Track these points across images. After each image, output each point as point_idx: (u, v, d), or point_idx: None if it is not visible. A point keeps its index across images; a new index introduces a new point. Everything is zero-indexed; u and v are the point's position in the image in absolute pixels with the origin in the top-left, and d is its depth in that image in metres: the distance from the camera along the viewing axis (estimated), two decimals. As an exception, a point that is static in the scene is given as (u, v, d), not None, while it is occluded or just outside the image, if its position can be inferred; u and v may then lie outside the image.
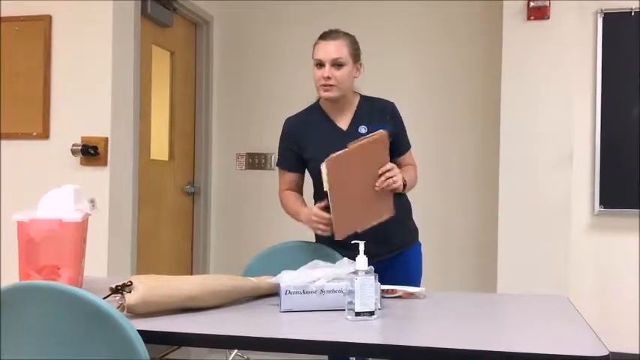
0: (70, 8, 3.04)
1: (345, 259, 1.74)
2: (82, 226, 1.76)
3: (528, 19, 3.49)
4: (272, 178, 4.24)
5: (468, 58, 3.90)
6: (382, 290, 1.70)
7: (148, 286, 1.48)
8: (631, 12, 3.57)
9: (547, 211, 3.46)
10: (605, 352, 1.22)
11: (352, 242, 1.62)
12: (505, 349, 1.26)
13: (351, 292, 1.49)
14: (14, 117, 3.07)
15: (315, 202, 2.20)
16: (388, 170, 1.97)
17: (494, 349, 1.26)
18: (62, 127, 3.04)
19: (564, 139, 3.47)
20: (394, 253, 2.20)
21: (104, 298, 1.30)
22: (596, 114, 3.64)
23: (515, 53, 3.52)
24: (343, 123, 2.20)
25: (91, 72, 3.03)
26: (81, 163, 3.02)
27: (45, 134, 3.05)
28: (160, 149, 3.73)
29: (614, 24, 3.61)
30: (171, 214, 3.84)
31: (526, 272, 3.49)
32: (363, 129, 2.15)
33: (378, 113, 2.20)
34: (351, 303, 1.49)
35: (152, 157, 3.60)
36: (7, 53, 3.09)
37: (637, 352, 3.53)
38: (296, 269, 1.67)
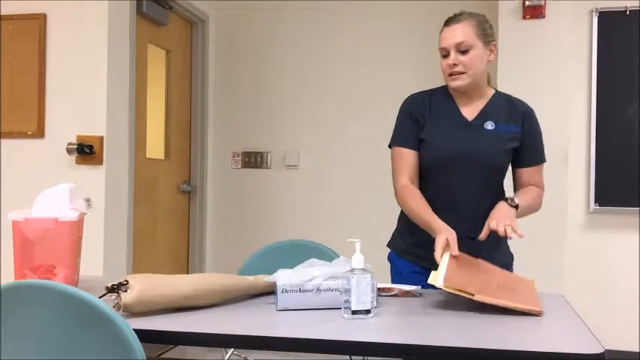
0: (65, 7, 3.03)
1: (342, 257, 1.73)
2: (77, 225, 1.75)
3: (524, 17, 3.49)
4: (268, 176, 4.26)
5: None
6: (378, 288, 1.70)
7: (143, 285, 1.48)
8: (626, 11, 3.58)
9: (543, 209, 3.45)
10: (600, 350, 1.23)
11: (348, 240, 1.62)
12: (501, 347, 1.26)
13: (348, 291, 1.49)
14: (9, 116, 3.06)
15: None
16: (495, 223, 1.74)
17: (490, 347, 1.26)
18: (57, 126, 3.04)
19: (560, 137, 3.48)
20: None
21: (100, 297, 1.30)
22: (591, 112, 3.65)
23: (511, 52, 3.53)
24: (470, 114, 1.95)
25: (87, 70, 3.02)
26: (76, 162, 3.01)
27: (40, 133, 3.04)
28: (155, 148, 3.72)
29: (609, 23, 3.62)
30: (167, 213, 3.83)
31: (521, 270, 3.49)
32: (490, 125, 1.93)
33: (510, 113, 1.96)
34: (347, 301, 1.49)
35: (148, 155, 3.59)
36: (2, 52, 3.08)
37: (632, 349, 3.55)
38: (292, 268, 1.67)
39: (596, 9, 3.63)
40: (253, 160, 4.23)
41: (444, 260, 1.66)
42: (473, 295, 1.50)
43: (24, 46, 3.05)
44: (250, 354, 2.68)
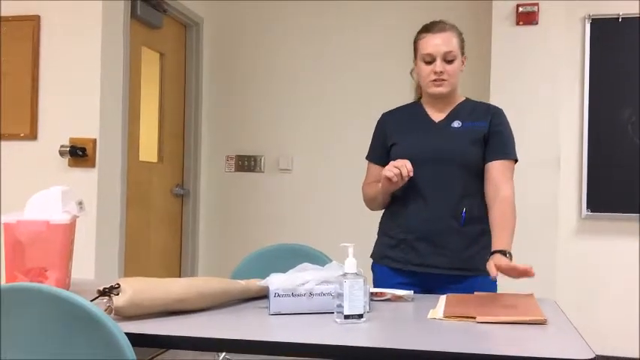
0: (59, 9, 3.03)
1: (334, 262, 1.73)
2: (69, 228, 1.75)
3: (517, 24, 3.52)
4: (262, 180, 4.26)
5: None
6: (371, 293, 1.70)
7: (135, 289, 1.48)
8: (618, 18, 3.61)
9: (535, 214, 3.49)
10: (591, 355, 1.23)
11: (341, 245, 1.62)
12: (492, 352, 1.26)
13: (340, 295, 1.49)
14: (2, 117, 3.05)
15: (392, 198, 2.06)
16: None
17: (482, 352, 1.26)
18: (50, 128, 3.03)
19: (552, 142, 3.50)
20: (455, 272, 1.96)
21: (92, 301, 1.30)
22: (583, 118, 3.67)
23: (504, 57, 3.55)
24: (438, 117, 2.04)
25: (80, 73, 3.01)
26: (69, 165, 3.00)
27: (33, 135, 3.03)
28: (149, 151, 3.71)
29: (602, 29, 3.65)
30: (160, 216, 3.82)
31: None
32: (456, 124, 2.00)
33: (477, 112, 2.03)
34: (339, 306, 1.49)
35: (141, 158, 3.58)
36: (-6, 53, 3.07)
37: (623, 354, 3.56)
38: (285, 272, 1.67)
39: (589, 15, 3.66)
40: (247, 163, 4.23)
41: (441, 300, 1.72)
42: (475, 317, 1.51)
43: (17, 47, 3.04)
44: (242, 358, 2.67)
